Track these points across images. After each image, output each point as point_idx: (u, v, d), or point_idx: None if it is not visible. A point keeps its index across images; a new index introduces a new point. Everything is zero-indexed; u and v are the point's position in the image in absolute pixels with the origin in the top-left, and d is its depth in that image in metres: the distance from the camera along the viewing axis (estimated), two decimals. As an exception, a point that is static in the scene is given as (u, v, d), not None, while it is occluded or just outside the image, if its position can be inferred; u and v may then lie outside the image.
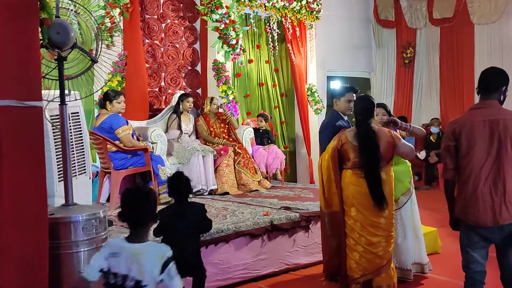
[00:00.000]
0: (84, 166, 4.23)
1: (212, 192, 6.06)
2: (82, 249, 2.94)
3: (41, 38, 2.80)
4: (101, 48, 3.16)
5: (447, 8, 9.97)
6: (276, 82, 7.95)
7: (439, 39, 10.14)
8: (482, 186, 2.84)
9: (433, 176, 9.15)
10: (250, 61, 7.48)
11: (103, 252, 2.34)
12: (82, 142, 4.17)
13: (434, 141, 9.12)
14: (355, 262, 3.64)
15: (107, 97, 5.17)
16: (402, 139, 3.71)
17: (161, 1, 6.90)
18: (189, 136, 6.43)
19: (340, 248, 3.76)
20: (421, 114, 10.35)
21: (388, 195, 3.57)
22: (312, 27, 8.00)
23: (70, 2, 3.04)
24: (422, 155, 8.78)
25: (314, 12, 7.87)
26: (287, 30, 7.60)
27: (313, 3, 7.78)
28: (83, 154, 4.19)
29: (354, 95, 4.20)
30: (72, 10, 3.06)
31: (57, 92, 3.12)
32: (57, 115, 3.47)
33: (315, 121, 7.84)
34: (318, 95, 7.91)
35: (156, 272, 2.22)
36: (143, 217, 2.36)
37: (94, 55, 3.12)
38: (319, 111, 7.89)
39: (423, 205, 5.75)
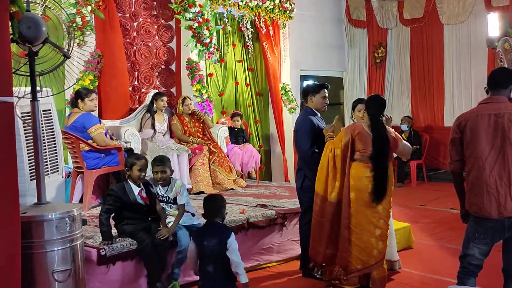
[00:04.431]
0: (57, 165, 4.14)
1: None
2: (55, 248, 2.89)
3: (11, 32, 2.73)
4: (73, 43, 3.10)
5: (417, 9, 10.17)
6: (251, 81, 7.95)
7: (409, 39, 10.34)
8: (487, 177, 2.89)
9: (405, 173, 9.28)
10: (221, 61, 7.45)
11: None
12: (55, 140, 4.08)
13: (405, 138, 9.26)
14: (355, 256, 3.83)
15: (78, 95, 5.08)
16: (402, 140, 4.04)
17: (133, 0, 6.80)
18: (163, 135, 6.37)
19: (332, 238, 3.94)
20: (392, 112, 10.50)
21: (388, 186, 3.84)
22: (285, 26, 8.03)
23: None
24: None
25: (287, 12, 7.90)
26: (261, 29, 7.61)
27: (286, 3, 7.81)
28: (56, 152, 4.10)
29: (327, 91, 4.39)
30: (43, 4, 2.99)
31: (28, 89, 3.04)
32: (28, 112, 3.39)
33: (289, 120, 7.87)
34: (292, 94, 7.95)
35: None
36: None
37: (66, 50, 3.05)
38: (293, 110, 7.93)
39: (396, 202, 5.82)
